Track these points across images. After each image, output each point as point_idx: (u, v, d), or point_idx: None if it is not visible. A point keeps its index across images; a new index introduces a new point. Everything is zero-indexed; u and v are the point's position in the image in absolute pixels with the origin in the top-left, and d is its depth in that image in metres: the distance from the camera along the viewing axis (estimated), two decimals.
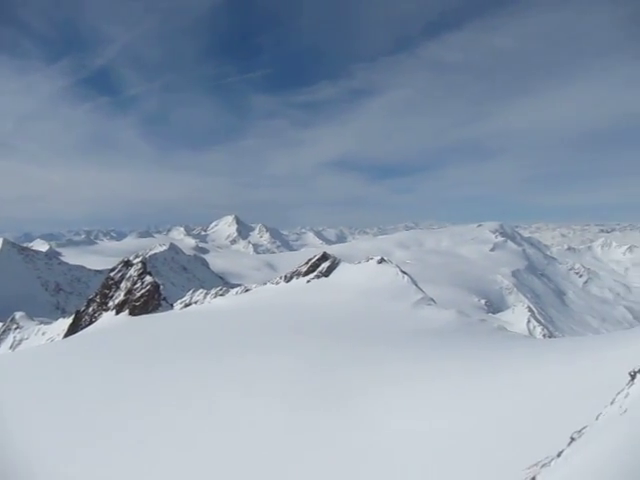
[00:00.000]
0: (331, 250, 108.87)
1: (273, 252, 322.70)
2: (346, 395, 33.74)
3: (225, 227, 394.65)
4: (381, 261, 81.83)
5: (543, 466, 21.85)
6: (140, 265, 71.84)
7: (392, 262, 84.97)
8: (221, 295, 74.60)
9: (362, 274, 76.81)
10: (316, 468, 22.66)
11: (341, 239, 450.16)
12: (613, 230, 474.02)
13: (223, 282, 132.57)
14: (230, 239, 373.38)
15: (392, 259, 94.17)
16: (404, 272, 79.64)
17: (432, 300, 73.67)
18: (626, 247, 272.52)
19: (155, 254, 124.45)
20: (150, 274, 71.42)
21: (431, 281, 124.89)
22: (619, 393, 23.94)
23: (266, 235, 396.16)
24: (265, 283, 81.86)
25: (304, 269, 79.42)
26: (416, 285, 76.26)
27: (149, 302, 66.51)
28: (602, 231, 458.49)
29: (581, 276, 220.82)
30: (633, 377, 24.85)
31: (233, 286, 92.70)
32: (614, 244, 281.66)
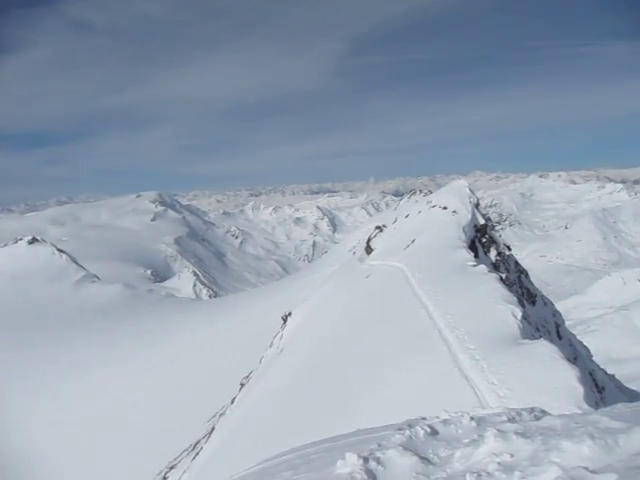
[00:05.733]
0: None
1: None
2: None
3: None
4: (33, 241, 74.63)
5: (221, 415, 23.71)
6: None
7: (46, 241, 78.16)
8: None
9: (10, 258, 69.07)
10: None
11: None
12: (261, 194, 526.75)
13: None
14: None
15: (46, 238, 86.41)
16: (61, 251, 74.13)
17: (96, 277, 70.70)
18: (272, 208, 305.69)
19: None
20: None
21: (93, 257, 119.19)
22: (275, 336, 27.19)
23: None
24: None
25: None
26: (76, 263, 71.88)
27: None
28: (252, 195, 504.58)
29: (237, 237, 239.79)
30: (285, 320, 28.40)
31: None
32: (262, 206, 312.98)
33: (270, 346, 27.12)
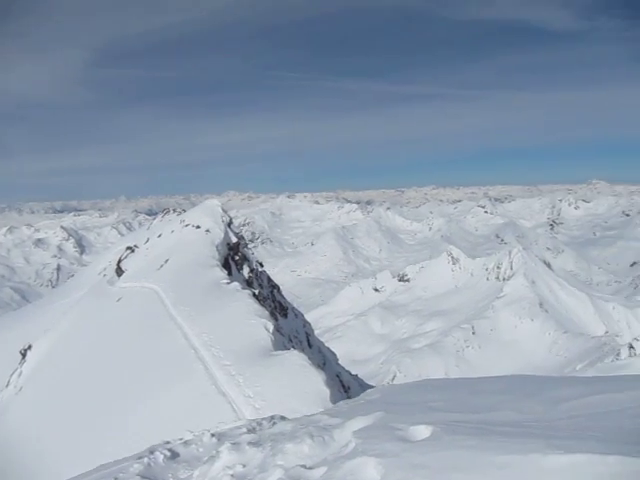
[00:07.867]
0: None
1: None
2: None
3: None
4: None
5: None
6: None
7: None
8: None
9: None
10: None
11: None
12: None
13: None
14: None
15: None
16: None
17: None
18: (6, 228, 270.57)
19: None
20: None
21: None
22: (13, 374, 24.24)
23: None
24: None
25: None
26: None
27: None
28: None
29: None
30: (24, 355, 25.50)
31: None
32: None
33: (7, 386, 23.88)
